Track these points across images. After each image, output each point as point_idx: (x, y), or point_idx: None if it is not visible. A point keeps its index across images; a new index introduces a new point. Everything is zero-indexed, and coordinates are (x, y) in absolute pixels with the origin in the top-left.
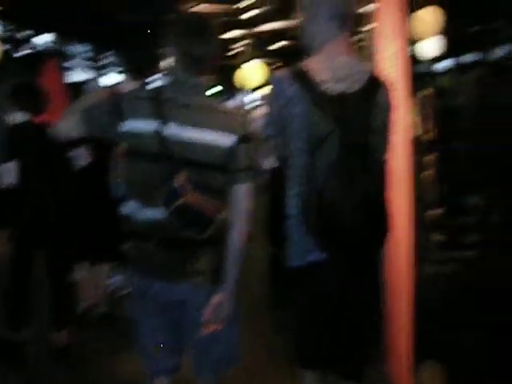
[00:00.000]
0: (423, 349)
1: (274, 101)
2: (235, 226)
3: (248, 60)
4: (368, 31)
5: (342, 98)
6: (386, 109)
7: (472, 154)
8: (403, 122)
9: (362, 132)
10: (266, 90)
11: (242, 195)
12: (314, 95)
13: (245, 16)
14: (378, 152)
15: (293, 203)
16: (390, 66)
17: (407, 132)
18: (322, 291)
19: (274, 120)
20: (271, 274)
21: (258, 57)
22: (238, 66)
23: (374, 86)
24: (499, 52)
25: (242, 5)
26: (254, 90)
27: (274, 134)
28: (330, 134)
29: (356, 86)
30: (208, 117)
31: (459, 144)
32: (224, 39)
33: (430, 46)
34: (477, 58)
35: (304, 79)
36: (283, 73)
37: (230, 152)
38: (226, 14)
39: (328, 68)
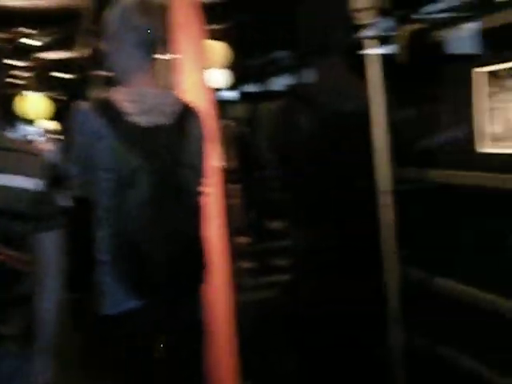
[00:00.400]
0: (244, 374)
1: (77, 136)
2: (44, 279)
3: (29, 90)
4: (166, 60)
5: (151, 130)
6: (198, 140)
7: (275, 181)
8: (213, 152)
9: (173, 165)
10: (49, 122)
11: (50, 244)
12: (120, 129)
13: (24, 44)
14: (191, 185)
15: (103, 247)
16: (194, 96)
17: (217, 162)
18: (141, 337)
19: (78, 157)
20: (76, 324)
21: (39, 87)
22: (18, 97)
23: (185, 118)
24: (282, 81)
25: (21, 32)
26: (36, 121)
27: (78, 173)
28: (140, 169)
29: (166, 118)
30: (5, 158)
31: (262, 172)
32: (3, 67)
33: (219, 77)
34: (262, 89)
35: (109, 112)
36: (86, 105)
37: (33, 197)
38: (3, 40)
39: (135, 99)
